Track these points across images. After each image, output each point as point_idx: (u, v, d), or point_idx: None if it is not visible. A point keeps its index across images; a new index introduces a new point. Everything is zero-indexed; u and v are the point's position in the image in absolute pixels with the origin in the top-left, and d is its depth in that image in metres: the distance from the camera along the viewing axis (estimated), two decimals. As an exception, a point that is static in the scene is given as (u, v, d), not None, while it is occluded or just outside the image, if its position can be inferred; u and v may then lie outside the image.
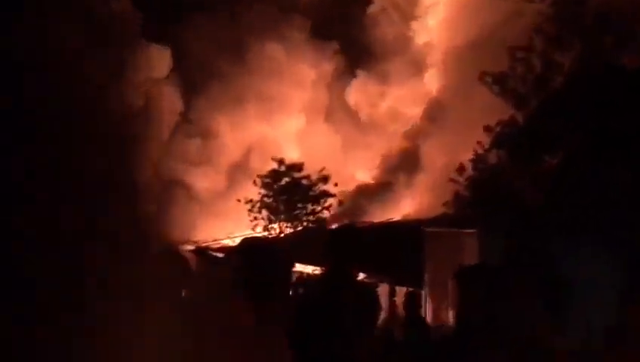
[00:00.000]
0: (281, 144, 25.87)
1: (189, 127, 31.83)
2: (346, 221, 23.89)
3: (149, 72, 31.33)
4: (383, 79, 31.63)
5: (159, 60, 31.66)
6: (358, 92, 32.20)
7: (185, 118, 31.98)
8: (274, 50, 32.32)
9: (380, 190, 28.28)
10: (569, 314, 4.36)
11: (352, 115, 32.08)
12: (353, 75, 32.22)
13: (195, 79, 31.74)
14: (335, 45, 33.20)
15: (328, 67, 32.90)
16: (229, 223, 26.51)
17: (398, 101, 31.15)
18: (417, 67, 30.19)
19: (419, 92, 30.26)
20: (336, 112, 32.08)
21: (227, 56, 31.68)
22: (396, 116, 30.97)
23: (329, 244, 4.83)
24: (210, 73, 31.75)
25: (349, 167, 29.97)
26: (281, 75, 32.05)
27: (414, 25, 30.24)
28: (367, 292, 5.01)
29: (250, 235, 22.89)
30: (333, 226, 23.03)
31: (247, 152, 27.97)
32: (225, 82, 31.83)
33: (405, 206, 27.38)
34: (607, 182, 15.34)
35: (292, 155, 24.46)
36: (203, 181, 29.36)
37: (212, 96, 31.78)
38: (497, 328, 4.03)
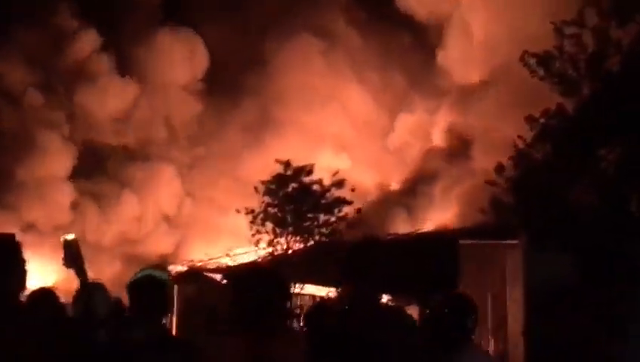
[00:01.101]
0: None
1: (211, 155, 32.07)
2: (365, 233, 23.91)
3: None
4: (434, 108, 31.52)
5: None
6: (406, 130, 32.10)
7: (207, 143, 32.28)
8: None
9: (406, 197, 28.37)
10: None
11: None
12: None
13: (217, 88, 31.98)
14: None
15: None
16: (228, 239, 26.62)
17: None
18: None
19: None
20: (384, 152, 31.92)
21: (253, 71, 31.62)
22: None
23: (347, 263, 4.84)
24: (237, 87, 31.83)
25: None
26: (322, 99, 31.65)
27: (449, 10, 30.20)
28: (400, 321, 4.98)
29: (252, 252, 22.96)
30: (351, 240, 23.03)
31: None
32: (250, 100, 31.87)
33: (436, 214, 27.43)
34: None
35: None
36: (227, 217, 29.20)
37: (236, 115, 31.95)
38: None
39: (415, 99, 32.12)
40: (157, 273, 5.52)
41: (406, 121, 32.08)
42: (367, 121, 31.93)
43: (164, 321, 5.46)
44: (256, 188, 22.75)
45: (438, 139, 30.97)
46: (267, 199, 22.62)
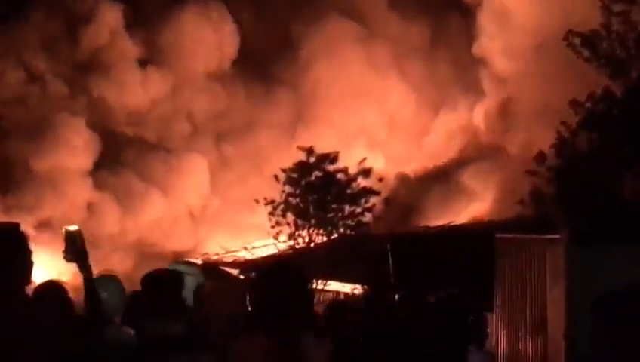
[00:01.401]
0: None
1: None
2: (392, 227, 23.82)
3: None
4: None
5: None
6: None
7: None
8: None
9: (438, 186, 28.20)
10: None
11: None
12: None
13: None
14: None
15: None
16: (247, 233, 26.56)
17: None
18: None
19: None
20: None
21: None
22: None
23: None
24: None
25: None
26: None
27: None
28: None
29: (271, 245, 22.84)
30: (379, 234, 22.92)
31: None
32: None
33: (471, 206, 27.32)
34: None
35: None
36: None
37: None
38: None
39: (459, 93, 31.45)
40: (181, 267, 5.56)
41: (447, 121, 31.40)
42: (406, 118, 31.40)
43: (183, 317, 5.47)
44: (276, 177, 22.56)
45: (476, 125, 30.60)
46: (288, 188, 22.43)
